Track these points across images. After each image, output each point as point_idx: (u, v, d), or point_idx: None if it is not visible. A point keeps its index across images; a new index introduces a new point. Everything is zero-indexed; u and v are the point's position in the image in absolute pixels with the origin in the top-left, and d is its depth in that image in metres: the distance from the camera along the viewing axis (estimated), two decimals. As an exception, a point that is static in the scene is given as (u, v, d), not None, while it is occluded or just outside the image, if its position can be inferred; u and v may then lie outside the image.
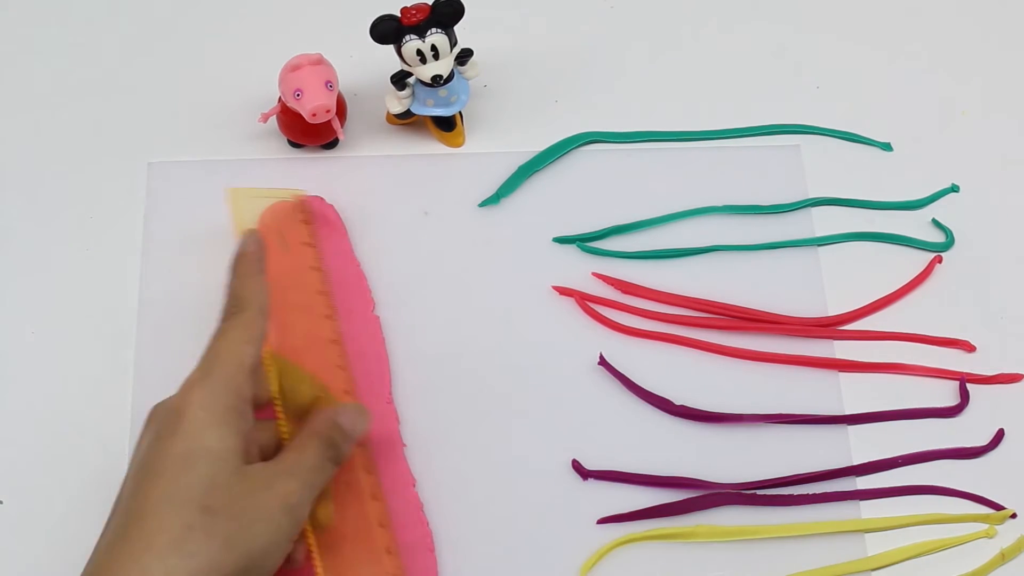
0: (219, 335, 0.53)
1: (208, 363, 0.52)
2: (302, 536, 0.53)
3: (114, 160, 0.66)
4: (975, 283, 0.65)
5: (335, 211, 0.64)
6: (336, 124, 0.64)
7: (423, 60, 0.61)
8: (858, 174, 0.68)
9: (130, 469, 0.51)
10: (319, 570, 0.53)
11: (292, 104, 0.62)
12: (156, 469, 0.49)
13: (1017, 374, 0.63)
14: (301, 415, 0.55)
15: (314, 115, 0.62)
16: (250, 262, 0.55)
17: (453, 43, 0.61)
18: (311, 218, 0.63)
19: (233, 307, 0.54)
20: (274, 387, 0.54)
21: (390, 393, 0.61)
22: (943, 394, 0.62)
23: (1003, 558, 0.59)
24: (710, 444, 0.61)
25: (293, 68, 0.62)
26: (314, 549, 0.54)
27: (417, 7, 0.61)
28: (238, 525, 0.48)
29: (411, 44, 0.61)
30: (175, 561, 0.46)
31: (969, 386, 0.62)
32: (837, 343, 0.63)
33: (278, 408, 0.54)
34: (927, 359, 0.63)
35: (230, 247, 0.63)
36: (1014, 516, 0.60)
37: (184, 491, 0.48)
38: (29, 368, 0.61)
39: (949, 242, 0.66)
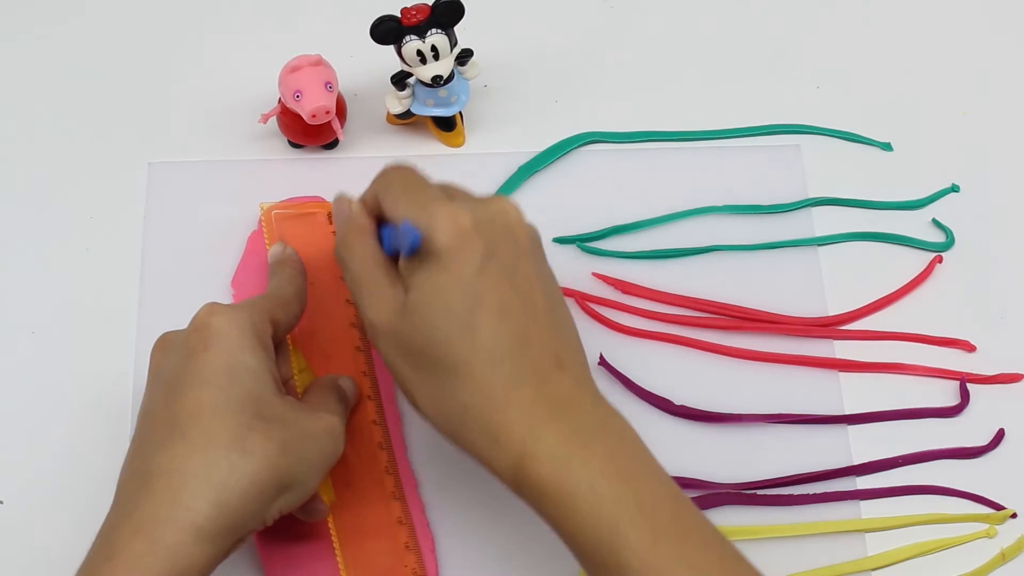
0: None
1: (232, 304, 0.53)
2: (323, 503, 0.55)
3: (114, 160, 0.66)
4: (975, 283, 0.65)
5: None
6: (336, 125, 0.64)
7: (423, 60, 0.61)
8: (858, 174, 0.68)
9: (159, 384, 0.51)
10: (340, 564, 0.56)
11: (292, 105, 0.62)
12: (201, 379, 0.49)
13: (1017, 374, 0.63)
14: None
15: (314, 116, 0.62)
16: (290, 265, 0.58)
17: (453, 43, 0.61)
18: None
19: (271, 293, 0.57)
20: (294, 366, 0.57)
21: (392, 394, 0.61)
22: (943, 394, 0.62)
23: (1003, 558, 0.59)
24: (710, 444, 0.61)
25: (292, 69, 0.62)
26: (335, 542, 0.56)
27: (417, 7, 0.60)
28: (291, 435, 0.50)
29: (411, 44, 0.61)
30: (237, 457, 0.48)
31: (969, 386, 0.62)
32: (837, 343, 0.63)
33: (296, 385, 0.57)
34: (927, 359, 0.63)
35: (229, 247, 0.63)
36: (1014, 516, 0.60)
37: (237, 398, 0.49)
38: (29, 368, 0.61)
39: (949, 242, 0.66)
